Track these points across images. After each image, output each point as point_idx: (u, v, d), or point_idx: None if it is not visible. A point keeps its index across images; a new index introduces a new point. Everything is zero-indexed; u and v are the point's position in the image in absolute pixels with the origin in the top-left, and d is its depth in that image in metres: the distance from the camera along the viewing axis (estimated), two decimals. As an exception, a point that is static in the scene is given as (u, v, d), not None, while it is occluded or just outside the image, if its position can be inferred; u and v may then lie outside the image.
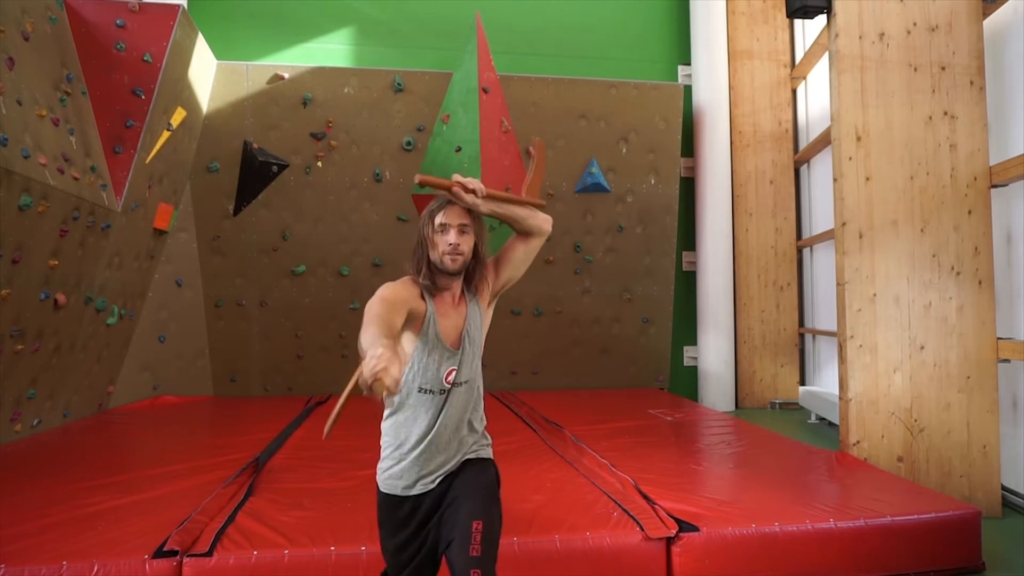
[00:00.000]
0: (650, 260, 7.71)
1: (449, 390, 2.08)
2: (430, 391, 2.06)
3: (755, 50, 8.01)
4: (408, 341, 2.05)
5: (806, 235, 7.87)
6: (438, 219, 2.10)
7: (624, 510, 3.19)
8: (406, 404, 2.07)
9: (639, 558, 2.94)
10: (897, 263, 4.31)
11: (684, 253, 8.11)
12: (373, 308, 1.85)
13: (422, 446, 2.05)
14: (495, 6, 7.55)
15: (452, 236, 2.08)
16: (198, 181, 6.78)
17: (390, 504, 2.11)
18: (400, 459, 2.08)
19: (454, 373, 2.09)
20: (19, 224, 4.23)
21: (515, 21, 7.79)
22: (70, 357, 5.28)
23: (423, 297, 2.07)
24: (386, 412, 2.13)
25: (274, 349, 7.11)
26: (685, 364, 8.18)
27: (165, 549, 2.69)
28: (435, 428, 2.06)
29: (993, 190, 4.35)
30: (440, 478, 2.08)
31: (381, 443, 2.14)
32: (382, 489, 2.12)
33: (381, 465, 2.13)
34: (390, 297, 1.95)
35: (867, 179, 4.35)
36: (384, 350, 1.51)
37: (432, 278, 2.10)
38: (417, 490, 2.07)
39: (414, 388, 2.06)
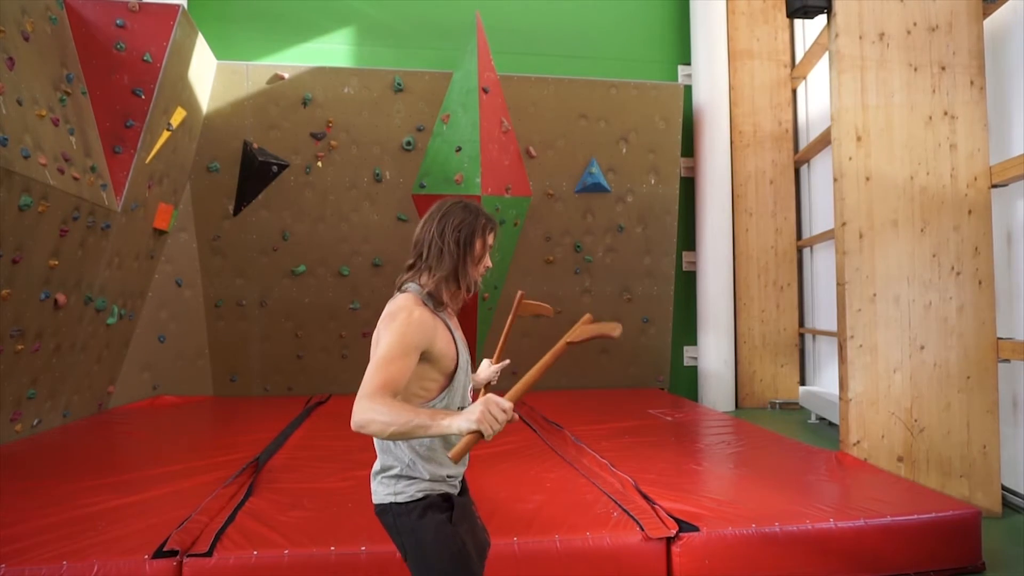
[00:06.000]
0: (650, 260, 7.71)
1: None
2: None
3: (755, 50, 8.01)
4: (442, 362, 1.87)
5: (806, 235, 7.87)
6: (491, 239, 1.96)
7: (624, 510, 3.19)
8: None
9: (639, 558, 2.94)
10: (897, 263, 4.31)
11: (684, 253, 8.11)
12: (399, 350, 1.73)
13: (462, 465, 1.94)
14: (495, 6, 7.55)
15: (488, 259, 1.98)
16: (198, 181, 6.78)
17: (443, 505, 1.89)
18: (443, 477, 1.90)
19: (471, 387, 2.05)
20: (19, 224, 4.23)
21: (515, 21, 7.78)
22: (70, 357, 5.28)
23: (434, 315, 1.88)
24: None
25: (274, 349, 7.11)
26: (685, 364, 8.18)
27: (165, 549, 2.69)
28: None
29: (993, 190, 4.34)
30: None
31: (402, 462, 1.87)
32: (441, 492, 1.88)
33: (422, 478, 1.86)
34: (416, 339, 1.77)
35: (867, 179, 4.34)
36: (502, 405, 1.55)
37: (461, 295, 1.94)
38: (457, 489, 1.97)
39: (448, 403, 1.91)
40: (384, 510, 1.89)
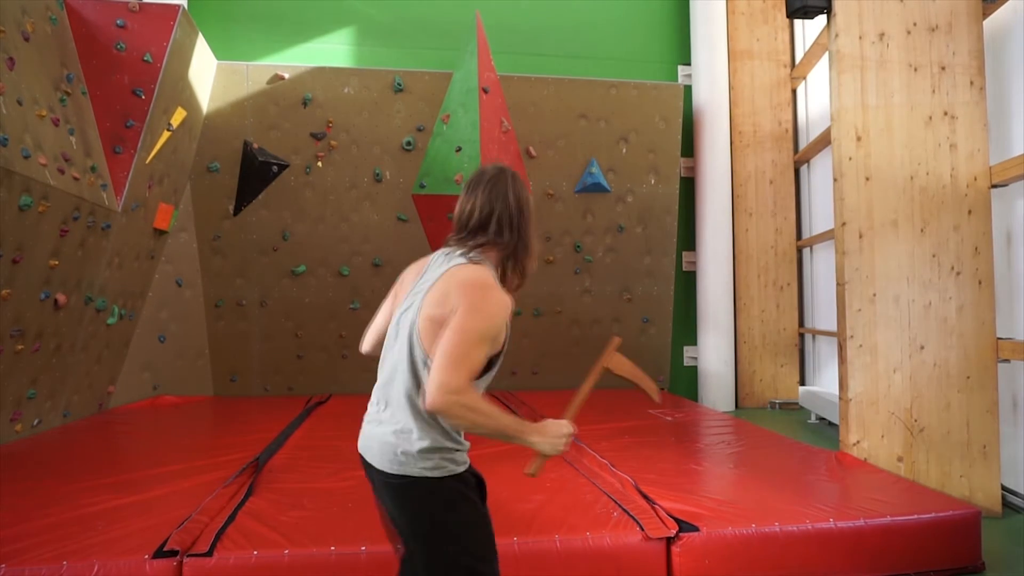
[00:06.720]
0: (650, 260, 7.71)
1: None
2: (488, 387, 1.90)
3: (755, 50, 8.01)
4: (493, 347, 1.77)
5: (806, 235, 7.87)
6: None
7: (624, 510, 3.19)
8: None
9: (639, 558, 2.94)
10: (897, 263, 4.31)
11: (684, 253, 8.11)
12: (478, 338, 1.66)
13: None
14: (495, 6, 7.55)
15: None
16: (198, 181, 6.78)
17: (471, 480, 1.84)
18: (460, 445, 1.84)
19: None
20: (19, 224, 4.23)
21: (515, 21, 7.79)
22: (70, 357, 5.28)
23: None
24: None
25: (274, 349, 7.11)
26: (685, 364, 8.18)
27: (165, 549, 2.69)
28: None
29: (993, 190, 4.34)
30: None
31: (423, 432, 1.76)
32: (461, 471, 1.80)
33: (443, 455, 1.77)
34: (500, 327, 1.72)
35: (867, 179, 4.34)
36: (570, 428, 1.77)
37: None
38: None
39: (482, 387, 1.82)
40: (412, 483, 1.74)
